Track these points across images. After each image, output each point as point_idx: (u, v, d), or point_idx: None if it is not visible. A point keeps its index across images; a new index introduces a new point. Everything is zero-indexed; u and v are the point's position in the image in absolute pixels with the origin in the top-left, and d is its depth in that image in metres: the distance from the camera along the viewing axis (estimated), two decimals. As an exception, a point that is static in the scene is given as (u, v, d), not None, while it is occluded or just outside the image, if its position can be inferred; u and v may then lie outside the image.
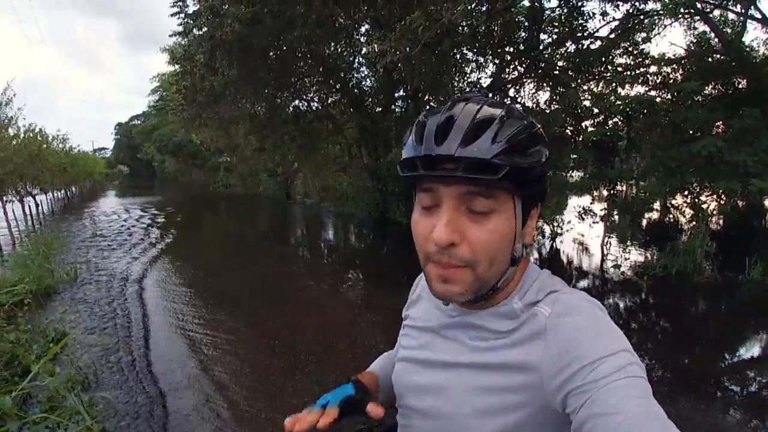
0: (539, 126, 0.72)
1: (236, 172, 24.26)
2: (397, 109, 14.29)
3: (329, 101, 15.28)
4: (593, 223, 10.20)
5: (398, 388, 0.90)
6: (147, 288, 7.82)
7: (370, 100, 14.71)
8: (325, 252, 11.22)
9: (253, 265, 9.70)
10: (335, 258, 10.47)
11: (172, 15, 10.92)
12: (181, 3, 10.69)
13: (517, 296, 0.76)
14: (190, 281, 8.41)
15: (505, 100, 0.68)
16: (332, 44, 12.83)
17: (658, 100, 8.46)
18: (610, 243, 9.82)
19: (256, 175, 22.87)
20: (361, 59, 14.06)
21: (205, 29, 9.88)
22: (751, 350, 5.46)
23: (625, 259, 8.72)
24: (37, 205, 16.58)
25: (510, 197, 0.70)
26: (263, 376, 4.59)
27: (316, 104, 15.26)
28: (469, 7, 7.77)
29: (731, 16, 9.48)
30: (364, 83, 14.78)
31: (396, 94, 13.90)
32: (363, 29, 12.76)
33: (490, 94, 0.76)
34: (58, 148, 18.45)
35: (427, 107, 13.54)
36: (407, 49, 8.02)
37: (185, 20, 10.84)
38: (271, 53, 10.91)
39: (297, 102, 14.98)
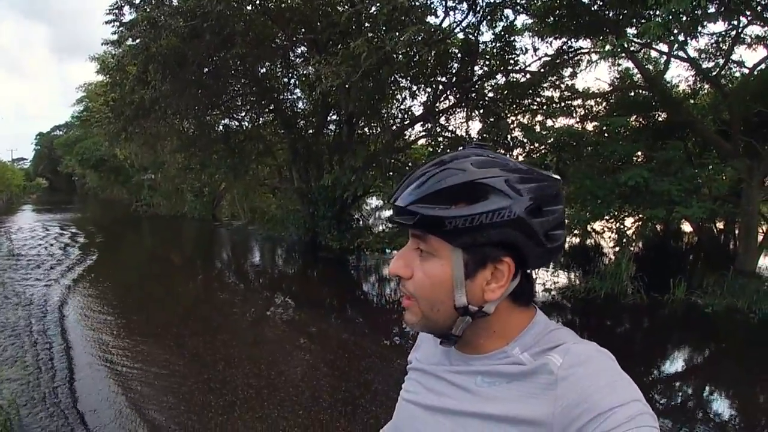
0: (488, 182, 0.68)
1: (161, 190, 23.14)
2: (330, 133, 14.28)
3: (261, 121, 15.05)
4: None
5: None
6: (68, 315, 7.20)
7: (303, 122, 14.60)
8: (255, 277, 10.89)
9: (181, 291, 9.25)
10: (265, 284, 10.18)
11: (106, 23, 10.39)
12: (117, 11, 10.15)
13: (518, 346, 0.74)
14: (115, 308, 7.87)
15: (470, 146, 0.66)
16: (268, 64, 12.71)
17: (585, 132, 8.95)
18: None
19: (181, 195, 21.94)
20: (295, 81, 13.99)
21: (140, 40, 9.47)
22: (676, 364, 5.86)
23: (554, 283, 9.09)
24: (-53, 217, 15.03)
25: (446, 246, 0.71)
26: (201, 415, 4.27)
27: (247, 124, 14.97)
28: (411, 37, 7.93)
29: (654, 53, 10.27)
30: (297, 105, 14.70)
31: (329, 118, 13.90)
32: (300, 50, 12.75)
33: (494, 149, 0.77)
34: (-26, 156, 16.98)
35: (359, 132, 13.80)
36: (345, 75, 8.06)
37: (120, 29, 10.32)
38: (206, 69, 10.63)
39: (227, 120, 14.68)
